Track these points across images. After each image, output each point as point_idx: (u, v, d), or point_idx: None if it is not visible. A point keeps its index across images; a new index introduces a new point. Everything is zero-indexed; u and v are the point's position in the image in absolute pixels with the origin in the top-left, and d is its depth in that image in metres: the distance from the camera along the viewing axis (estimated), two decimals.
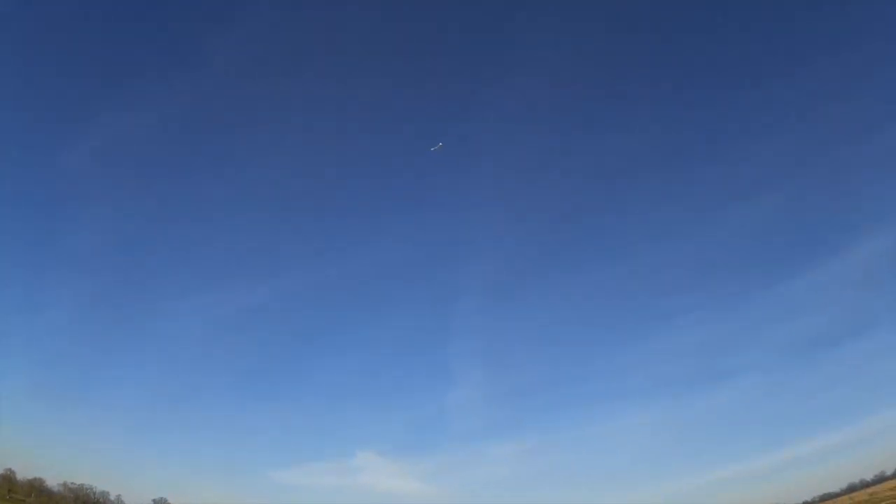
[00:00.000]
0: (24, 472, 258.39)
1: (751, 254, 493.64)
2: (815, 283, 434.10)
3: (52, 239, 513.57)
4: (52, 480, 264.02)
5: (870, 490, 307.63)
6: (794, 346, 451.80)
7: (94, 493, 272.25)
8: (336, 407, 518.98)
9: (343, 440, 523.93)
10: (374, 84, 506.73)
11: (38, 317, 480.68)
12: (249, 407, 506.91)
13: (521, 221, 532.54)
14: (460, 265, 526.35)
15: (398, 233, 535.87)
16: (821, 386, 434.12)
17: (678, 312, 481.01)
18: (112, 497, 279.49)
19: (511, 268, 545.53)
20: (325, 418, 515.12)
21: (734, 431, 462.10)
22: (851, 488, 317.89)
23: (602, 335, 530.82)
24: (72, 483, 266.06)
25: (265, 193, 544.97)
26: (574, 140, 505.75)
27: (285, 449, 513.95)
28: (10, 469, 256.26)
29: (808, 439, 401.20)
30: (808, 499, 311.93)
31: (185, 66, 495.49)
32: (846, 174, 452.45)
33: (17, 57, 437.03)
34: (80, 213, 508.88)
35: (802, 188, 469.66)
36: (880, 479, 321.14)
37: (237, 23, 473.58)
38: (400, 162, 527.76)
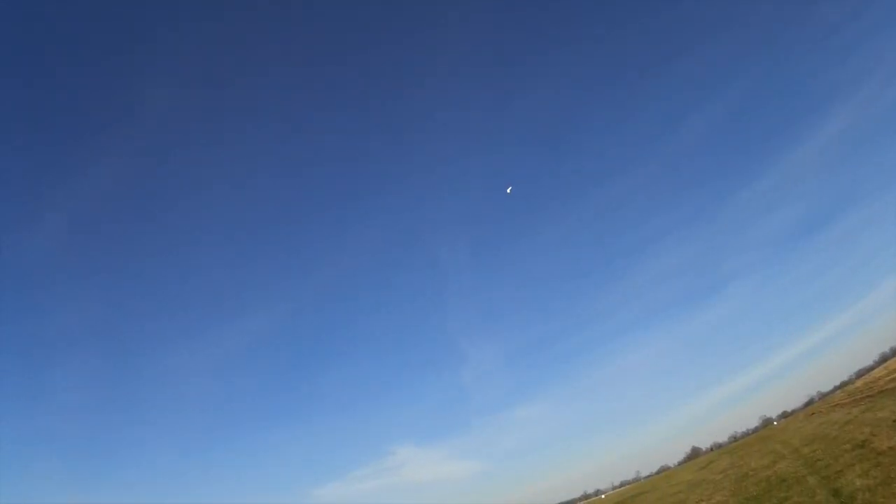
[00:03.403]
0: None
1: (716, 159, 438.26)
2: (787, 172, 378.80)
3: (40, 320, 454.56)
4: None
5: None
6: (781, 239, 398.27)
7: None
8: (361, 411, 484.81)
9: (377, 441, 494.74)
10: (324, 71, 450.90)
11: (44, 400, 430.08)
12: (277, 433, 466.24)
13: (483, 188, 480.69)
14: (440, 243, 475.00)
15: (374, 226, 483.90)
16: (821, 268, 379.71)
17: (659, 236, 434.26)
18: None
19: (488, 233, 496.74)
20: (354, 425, 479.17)
21: (747, 335, 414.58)
22: (884, 358, 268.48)
23: (590, 276, 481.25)
24: None
25: (235, 220, 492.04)
26: (513, 96, 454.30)
27: (322, 464, 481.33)
28: None
29: (825, 323, 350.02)
30: (846, 378, 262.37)
31: (129, 120, 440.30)
32: (794, 59, 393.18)
33: None
34: (56, 291, 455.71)
35: (753, 82, 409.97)
36: None
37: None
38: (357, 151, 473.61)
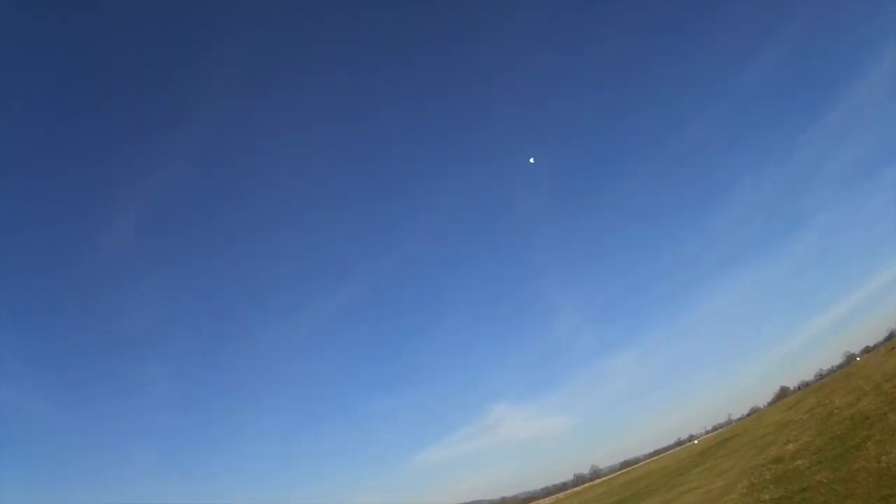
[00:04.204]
0: None
1: (783, 95, 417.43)
2: (854, 106, 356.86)
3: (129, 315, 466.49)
4: None
5: None
6: (860, 170, 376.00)
7: None
8: (457, 374, 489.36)
9: (473, 403, 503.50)
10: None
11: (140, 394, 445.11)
12: (374, 404, 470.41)
13: (562, 138, 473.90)
14: (523, 197, 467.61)
15: (455, 188, 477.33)
16: None
17: (736, 176, 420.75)
18: None
19: (569, 182, 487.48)
20: (450, 388, 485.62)
21: (830, 271, 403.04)
22: None
23: (672, 220, 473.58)
24: None
25: (321, 194, 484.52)
26: (586, 42, 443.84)
27: (421, 430, 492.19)
28: None
29: None
30: None
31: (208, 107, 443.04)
32: None
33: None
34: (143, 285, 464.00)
35: (812, 18, 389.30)
36: None
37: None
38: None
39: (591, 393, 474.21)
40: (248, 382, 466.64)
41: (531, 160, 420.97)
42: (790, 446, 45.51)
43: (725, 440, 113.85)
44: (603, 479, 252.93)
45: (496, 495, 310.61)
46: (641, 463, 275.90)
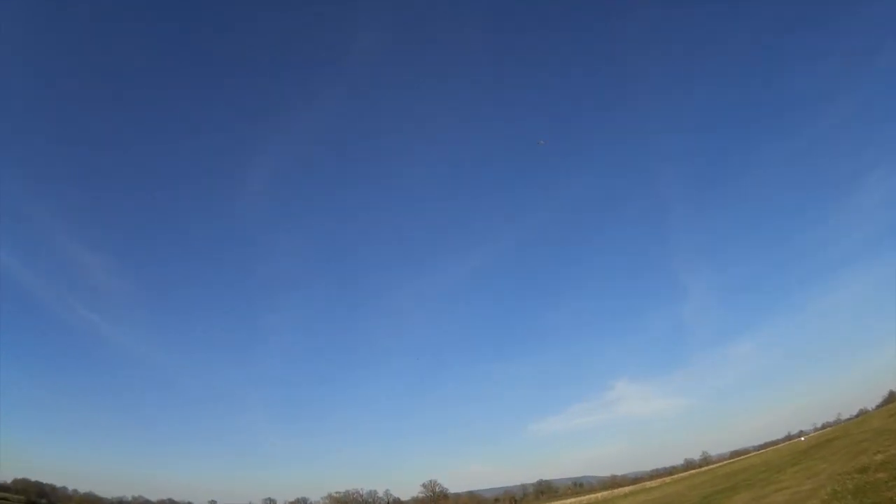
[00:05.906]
0: None
1: None
2: None
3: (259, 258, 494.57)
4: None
5: None
6: None
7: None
8: (579, 348, 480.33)
9: (595, 378, 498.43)
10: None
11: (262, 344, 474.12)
12: (498, 368, 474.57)
13: (702, 123, 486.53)
14: (661, 176, 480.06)
15: (593, 163, 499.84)
16: None
17: (863, 172, 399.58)
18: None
19: (708, 166, 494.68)
20: (571, 361, 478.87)
21: None
22: None
23: (804, 210, 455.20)
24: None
25: (459, 159, 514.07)
26: (726, 32, 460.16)
27: (542, 399, 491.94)
28: None
29: None
30: None
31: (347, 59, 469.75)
32: None
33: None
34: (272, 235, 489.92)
35: None
36: None
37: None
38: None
39: (711, 377, 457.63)
40: (372, 341, 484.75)
41: (541, 142, 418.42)
42: (878, 457, 45.21)
43: (828, 440, 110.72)
44: (710, 466, 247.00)
45: (606, 472, 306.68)
46: (748, 455, 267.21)
